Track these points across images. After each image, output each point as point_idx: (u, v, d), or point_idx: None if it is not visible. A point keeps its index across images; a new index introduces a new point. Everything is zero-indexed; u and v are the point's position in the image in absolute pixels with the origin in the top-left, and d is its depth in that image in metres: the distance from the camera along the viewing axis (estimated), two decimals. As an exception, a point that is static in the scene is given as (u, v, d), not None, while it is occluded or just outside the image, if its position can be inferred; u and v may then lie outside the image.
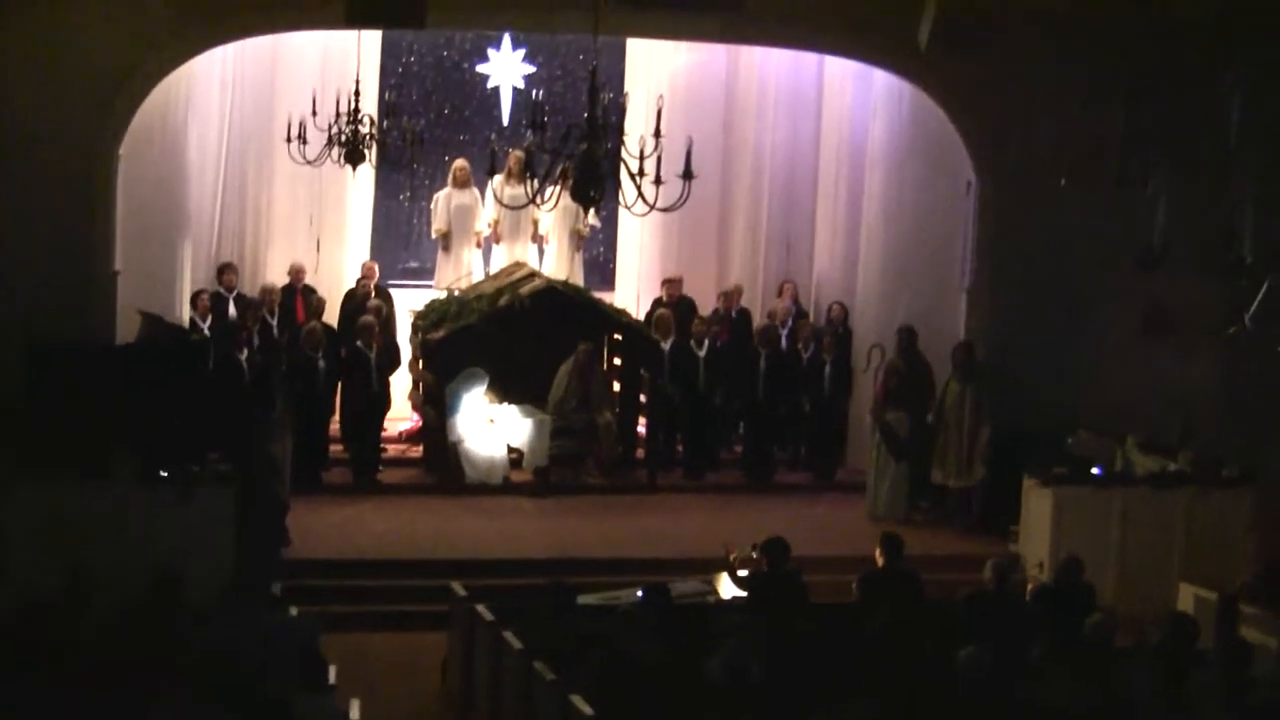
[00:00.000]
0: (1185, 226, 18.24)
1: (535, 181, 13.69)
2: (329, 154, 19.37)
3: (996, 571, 14.38)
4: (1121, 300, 19.11)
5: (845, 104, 22.57)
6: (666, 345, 20.91)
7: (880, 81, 21.22)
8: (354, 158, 19.36)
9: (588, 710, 11.24)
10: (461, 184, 22.62)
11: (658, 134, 12.94)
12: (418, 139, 20.99)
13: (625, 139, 13.36)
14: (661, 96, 15.56)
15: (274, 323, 20.93)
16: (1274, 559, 15.65)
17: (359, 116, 19.29)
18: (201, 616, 12.33)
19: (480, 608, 13.84)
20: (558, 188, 14.30)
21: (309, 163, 19.49)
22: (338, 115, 19.16)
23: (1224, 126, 17.68)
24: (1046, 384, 19.13)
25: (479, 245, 22.90)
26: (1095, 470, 17.80)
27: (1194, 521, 17.25)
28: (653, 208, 13.23)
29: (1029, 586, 14.88)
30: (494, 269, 22.55)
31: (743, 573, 14.57)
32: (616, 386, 21.09)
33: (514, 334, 20.37)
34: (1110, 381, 19.15)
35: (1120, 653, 12.98)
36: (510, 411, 20.20)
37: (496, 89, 23.53)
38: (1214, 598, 14.79)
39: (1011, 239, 19.91)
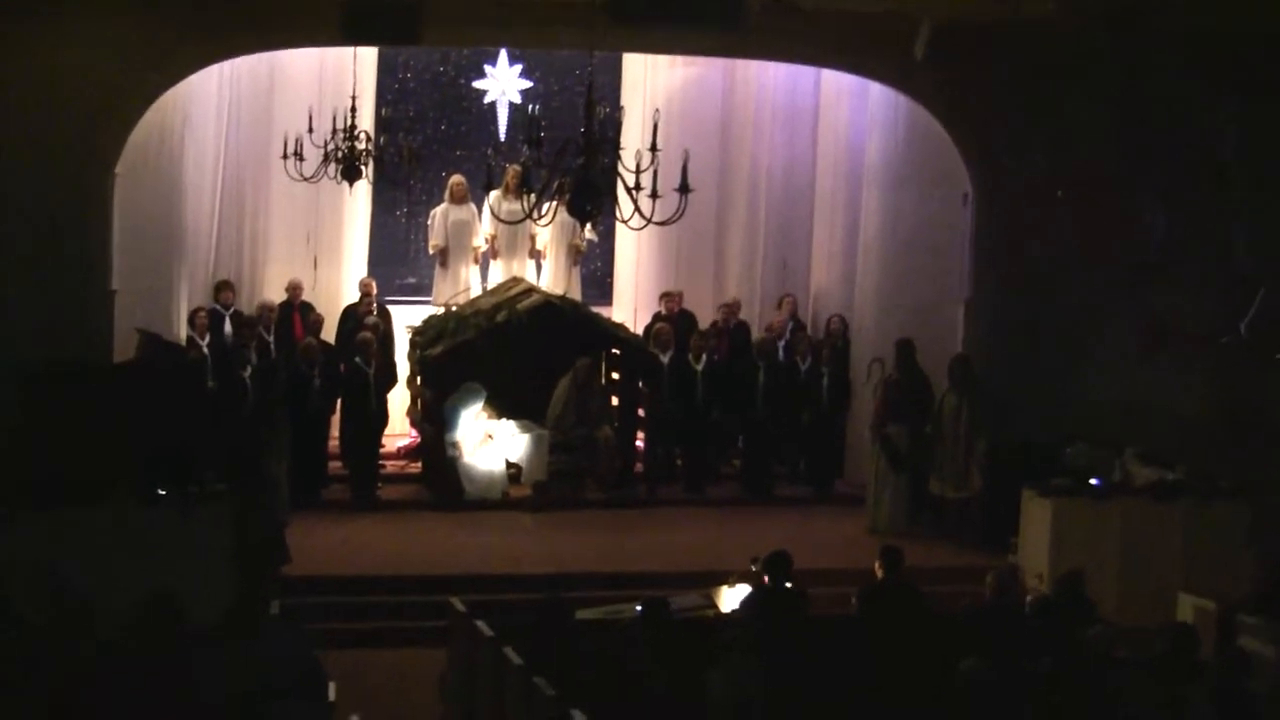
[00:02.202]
0: (1182, 239, 18.25)
1: (532, 196, 13.71)
2: (326, 171, 19.38)
3: (997, 583, 14.37)
4: (1118, 312, 19.10)
5: (842, 118, 22.59)
6: (665, 359, 20.91)
7: (877, 96, 21.23)
8: (351, 174, 19.36)
9: (588, 726, 11.23)
10: (459, 199, 22.63)
11: (654, 148, 12.96)
12: (414, 155, 21.02)
13: (622, 153, 13.37)
14: (658, 111, 15.56)
15: (272, 340, 20.92)
16: (1273, 569, 15.62)
17: (355, 133, 19.30)
18: (200, 635, 12.30)
19: (480, 623, 13.80)
20: (555, 203, 14.31)
21: (306, 179, 19.50)
22: (334, 132, 19.16)
23: (1220, 139, 17.69)
24: (1044, 395, 19.13)
25: (476, 261, 22.90)
26: (1094, 481, 17.78)
27: (1193, 532, 17.22)
28: (649, 222, 13.24)
29: (1029, 598, 14.86)
30: (492, 284, 22.56)
31: (743, 587, 14.56)
32: (615, 401, 21.09)
33: (512, 350, 20.37)
34: (1108, 393, 19.13)
35: (1121, 664, 12.99)
36: (508, 427, 20.21)
37: (493, 104, 23.56)
38: (1214, 608, 14.79)
39: (1009, 251, 19.92)
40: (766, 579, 14.26)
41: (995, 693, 11.49)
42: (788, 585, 14.18)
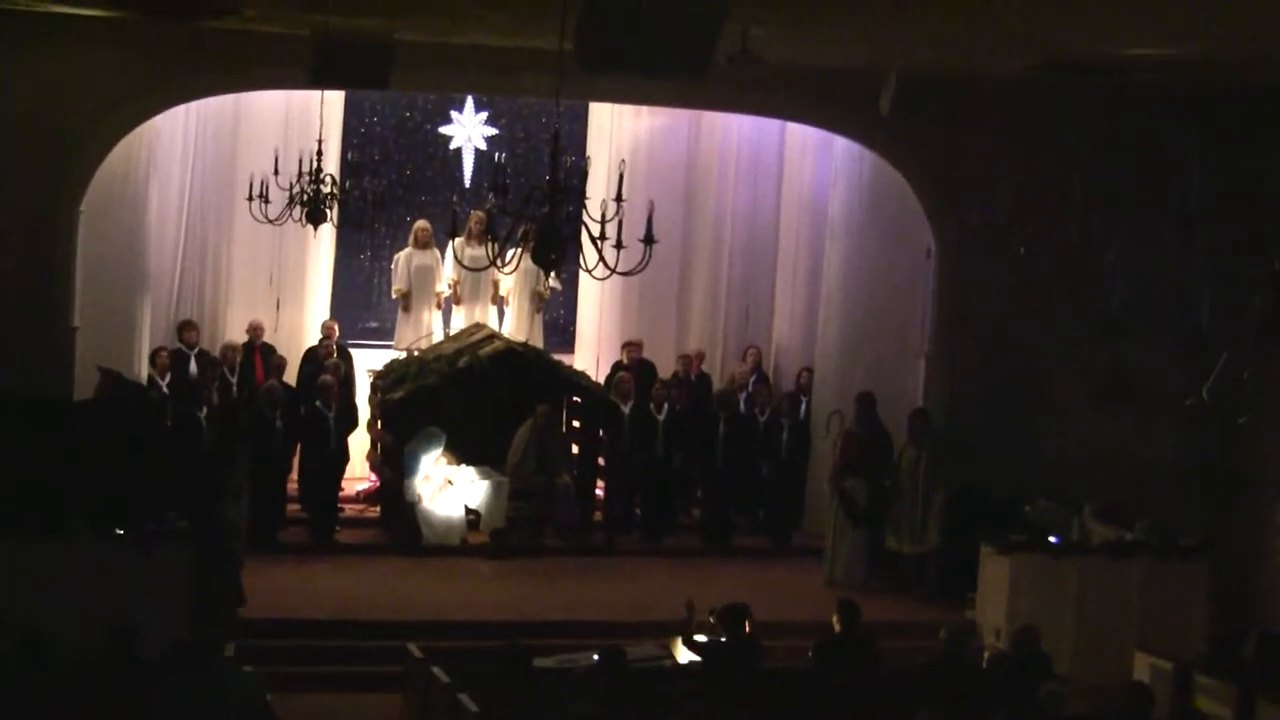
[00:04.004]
0: (1143, 296, 18.35)
1: (496, 244, 13.72)
2: (290, 213, 19.34)
3: (952, 638, 14.40)
4: (1080, 368, 19.19)
5: (806, 171, 22.69)
6: (627, 409, 20.91)
7: (841, 149, 21.32)
8: (315, 217, 19.31)
9: (543, 774, 11.22)
10: (422, 244, 22.63)
11: (619, 198, 12.98)
12: (379, 199, 21.02)
13: (587, 202, 13.39)
14: (624, 161, 15.62)
15: (234, 381, 20.88)
16: (1229, 629, 15.69)
17: (321, 176, 19.25)
18: (154, 674, 12.25)
19: (436, 669, 13.79)
20: (519, 250, 14.32)
21: (270, 221, 19.47)
22: (300, 174, 19.12)
23: (1183, 196, 17.82)
24: (1004, 451, 19.19)
25: (439, 306, 22.90)
26: (1052, 539, 17.82)
27: (1150, 591, 17.27)
28: (613, 271, 13.25)
29: (985, 654, 14.89)
30: (454, 330, 22.55)
31: (700, 638, 14.55)
32: (575, 449, 21.08)
33: (473, 395, 20.36)
34: (1067, 449, 19.21)
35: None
36: (468, 473, 20.19)
37: (459, 150, 23.58)
38: (1169, 667, 14.82)
39: (971, 306, 20.00)
40: (722, 630, 14.27)
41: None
42: (744, 636, 14.20)
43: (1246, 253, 17.52)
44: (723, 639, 14.22)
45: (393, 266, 22.86)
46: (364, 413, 21.45)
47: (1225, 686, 14.22)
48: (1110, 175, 18.46)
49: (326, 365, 21.07)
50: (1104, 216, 18.44)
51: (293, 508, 20.25)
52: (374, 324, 23.60)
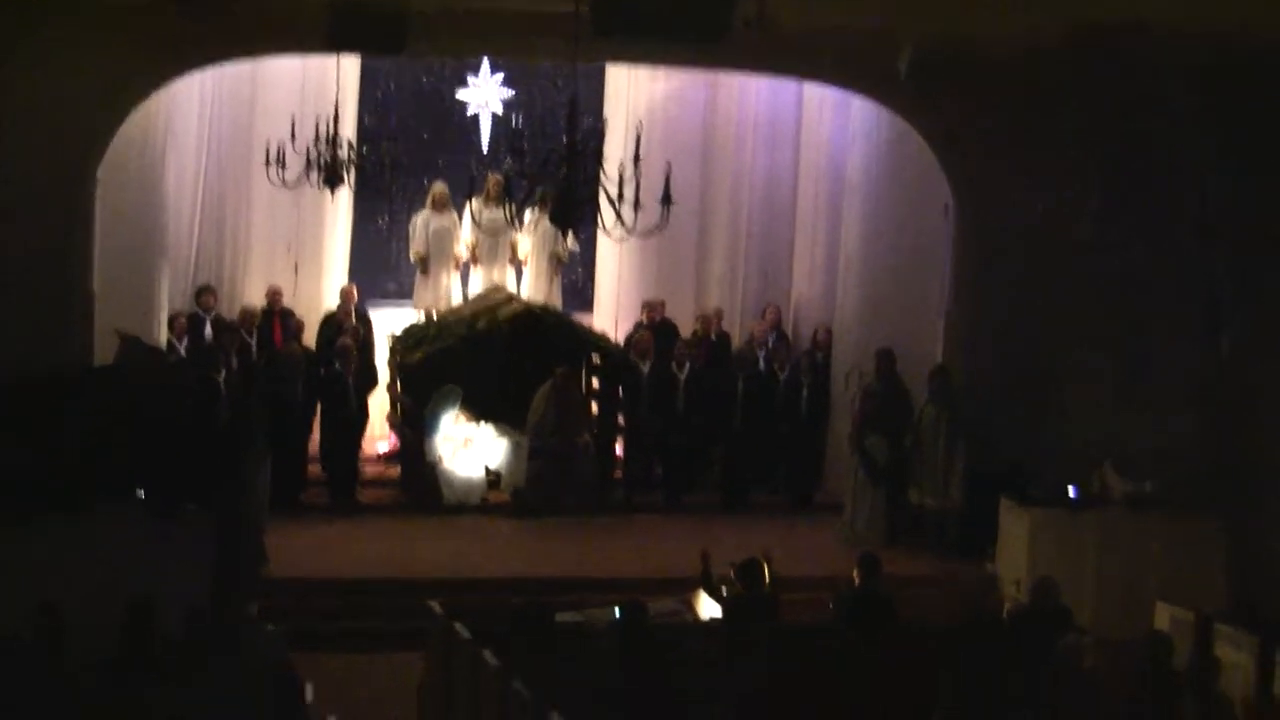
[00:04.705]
0: (1162, 274, 18.28)
1: (514, 205, 13.76)
2: (307, 178, 19.38)
3: (974, 592, 14.46)
4: (1098, 327, 19.13)
5: (824, 131, 22.67)
6: (645, 368, 20.95)
7: (858, 109, 21.30)
8: (332, 181, 19.36)
9: (565, 729, 11.27)
10: (440, 207, 22.65)
11: (637, 160, 13.01)
12: (396, 163, 21.04)
13: (604, 164, 13.43)
14: (640, 122, 15.63)
15: (253, 344, 20.95)
16: (1251, 581, 15.72)
17: (338, 141, 19.31)
18: (176, 642, 12.30)
19: (457, 626, 13.84)
20: (536, 211, 14.35)
21: (287, 186, 19.50)
22: (316, 139, 19.15)
23: (1203, 186, 17.78)
24: (1024, 406, 19.17)
25: (457, 268, 22.93)
26: (1071, 492, 17.84)
27: (1170, 543, 17.29)
28: (631, 232, 13.29)
29: (1006, 607, 14.93)
30: (472, 292, 22.59)
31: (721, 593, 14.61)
32: (594, 409, 21.13)
33: (492, 357, 20.42)
34: (1085, 408, 19.19)
35: (1094, 674, 13.06)
36: (488, 433, 20.25)
37: (476, 115, 23.58)
38: (1190, 617, 14.86)
39: (990, 263, 19.97)
40: (741, 585, 14.32)
41: (969, 700, 11.55)
42: (764, 591, 14.25)
43: (1267, 239, 17.46)
44: (742, 593, 14.28)
45: (410, 229, 22.89)
46: (384, 375, 21.51)
47: (1246, 635, 14.24)
48: (1130, 143, 18.35)
49: (345, 328, 21.12)
50: (1122, 189, 18.34)
51: (313, 469, 20.33)
52: (392, 287, 23.64)
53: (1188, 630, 14.59)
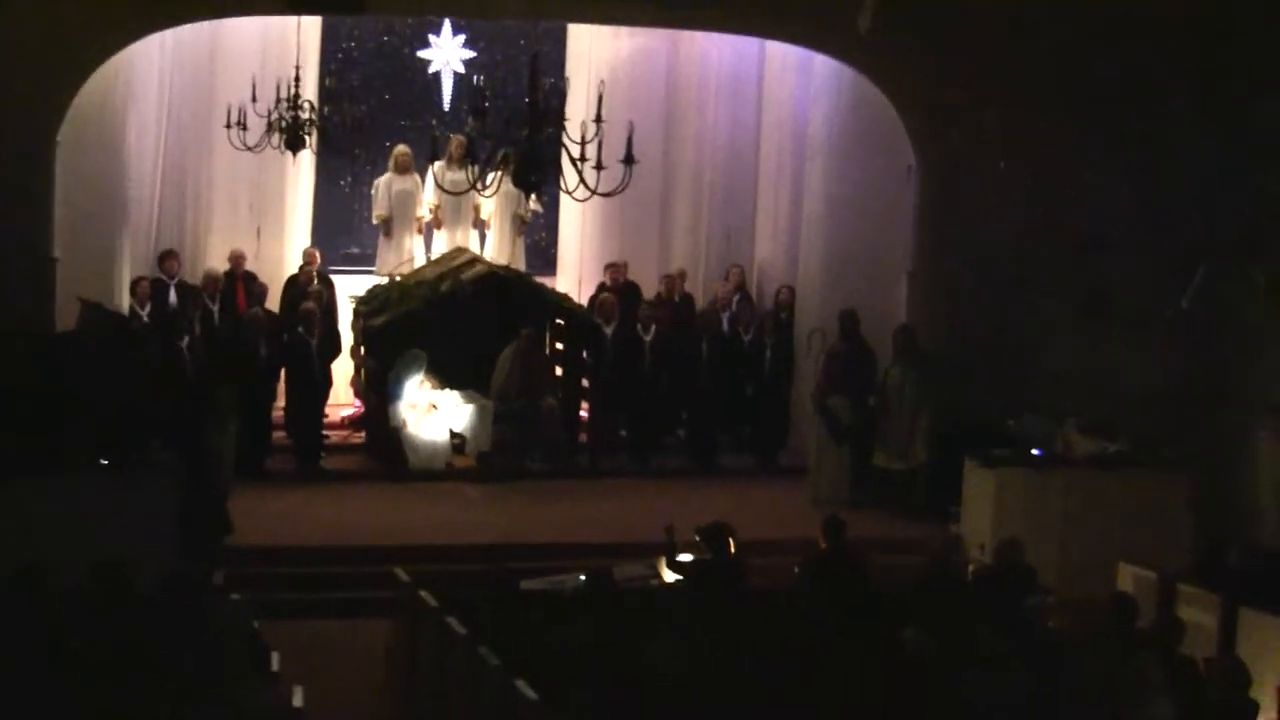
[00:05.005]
0: (1128, 211, 18.33)
1: (476, 167, 13.71)
2: (269, 140, 19.30)
3: (938, 553, 14.48)
4: (1061, 283, 19.17)
5: (786, 89, 22.64)
6: (609, 330, 20.92)
7: (821, 68, 21.27)
8: (294, 144, 19.31)
9: (531, 695, 11.27)
10: (402, 169, 22.57)
11: (599, 119, 12.98)
12: (358, 124, 20.96)
13: (566, 124, 13.39)
14: (603, 82, 15.60)
15: (216, 309, 20.85)
16: (1212, 540, 15.76)
17: (299, 102, 19.23)
18: (143, 605, 12.27)
19: (424, 594, 13.83)
20: (499, 173, 14.31)
21: (249, 149, 19.42)
22: (278, 101, 19.09)
23: (1163, 113, 17.77)
24: (988, 366, 19.21)
25: (420, 231, 22.87)
26: (1036, 452, 17.88)
27: (1134, 502, 17.32)
28: (594, 193, 13.27)
29: (971, 568, 14.96)
30: (436, 254, 22.52)
31: (685, 557, 14.61)
32: (559, 372, 21.10)
33: (456, 320, 20.36)
34: (1052, 363, 19.23)
35: (1059, 634, 13.10)
36: (453, 397, 20.20)
37: (438, 74, 23.48)
38: (1154, 577, 14.91)
39: (953, 222, 19.98)
40: (707, 549, 14.32)
41: (935, 662, 11.57)
42: (729, 555, 14.25)
43: (1228, 167, 17.47)
44: (707, 558, 14.28)
45: (373, 192, 22.80)
46: (347, 339, 21.44)
47: (1209, 596, 14.30)
48: (1093, 91, 18.36)
49: (308, 292, 21.04)
50: (1086, 133, 18.38)
51: (278, 435, 20.26)
52: (355, 250, 23.55)
53: (1151, 590, 14.66)
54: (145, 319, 20.01)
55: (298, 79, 19.22)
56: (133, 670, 10.83)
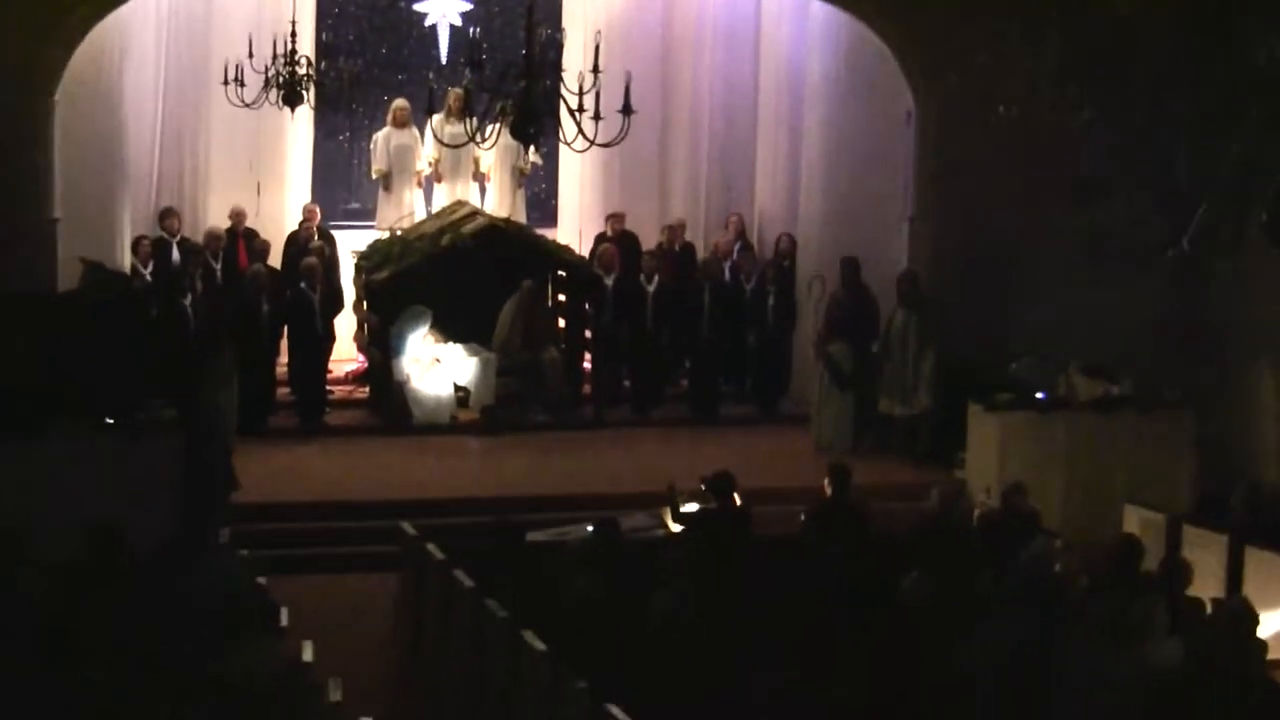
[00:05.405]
0: (1122, 154, 18.29)
1: (475, 120, 13.70)
2: (266, 96, 19.28)
3: (942, 499, 14.50)
4: (1061, 227, 19.15)
5: (783, 36, 22.58)
6: (609, 281, 20.91)
7: (817, 13, 21.21)
8: (292, 100, 19.29)
9: (539, 646, 11.30)
10: (401, 124, 22.54)
11: (596, 70, 12.95)
12: (356, 79, 20.93)
13: (564, 76, 13.37)
14: (599, 33, 15.54)
15: (218, 267, 20.85)
16: (1216, 481, 15.79)
17: (296, 58, 19.20)
18: (145, 566, 12.30)
19: (430, 547, 13.87)
20: (498, 125, 14.29)
21: (247, 105, 19.39)
22: (274, 57, 19.06)
23: (1157, 55, 17.73)
24: (990, 311, 19.19)
25: (420, 185, 22.86)
26: (1039, 396, 17.88)
27: (1138, 444, 17.35)
28: (592, 143, 13.26)
29: (975, 513, 14.98)
30: (435, 208, 22.52)
31: (690, 507, 14.63)
32: (561, 323, 21.11)
33: (457, 273, 20.35)
34: (1052, 308, 19.23)
35: (1064, 578, 13.12)
36: (456, 351, 20.21)
37: (434, 27, 23.41)
38: (1159, 519, 14.94)
39: (952, 168, 19.93)
40: (712, 499, 14.34)
41: (936, 608, 11.58)
42: (734, 505, 14.27)
43: (1222, 107, 17.44)
44: (713, 507, 14.30)
45: (371, 147, 22.79)
46: (349, 294, 21.44)
47: (1214, 536, 14.33)
48: (1087, 36, 18.31)
49: (310, 248, 21.04)
50: (1082, 78, 18.33)
51: (282, 391, 20.28)
52: (355, 205, 23.56)
53: (1157, 532, 14.69)
54: (148, 278, 20.01)
55: (294, 34, 19.19)
56: (127, 655, 10.84)
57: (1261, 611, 11.82)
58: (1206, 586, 13.34)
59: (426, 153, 22.63)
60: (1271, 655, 11.88)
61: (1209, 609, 12.08)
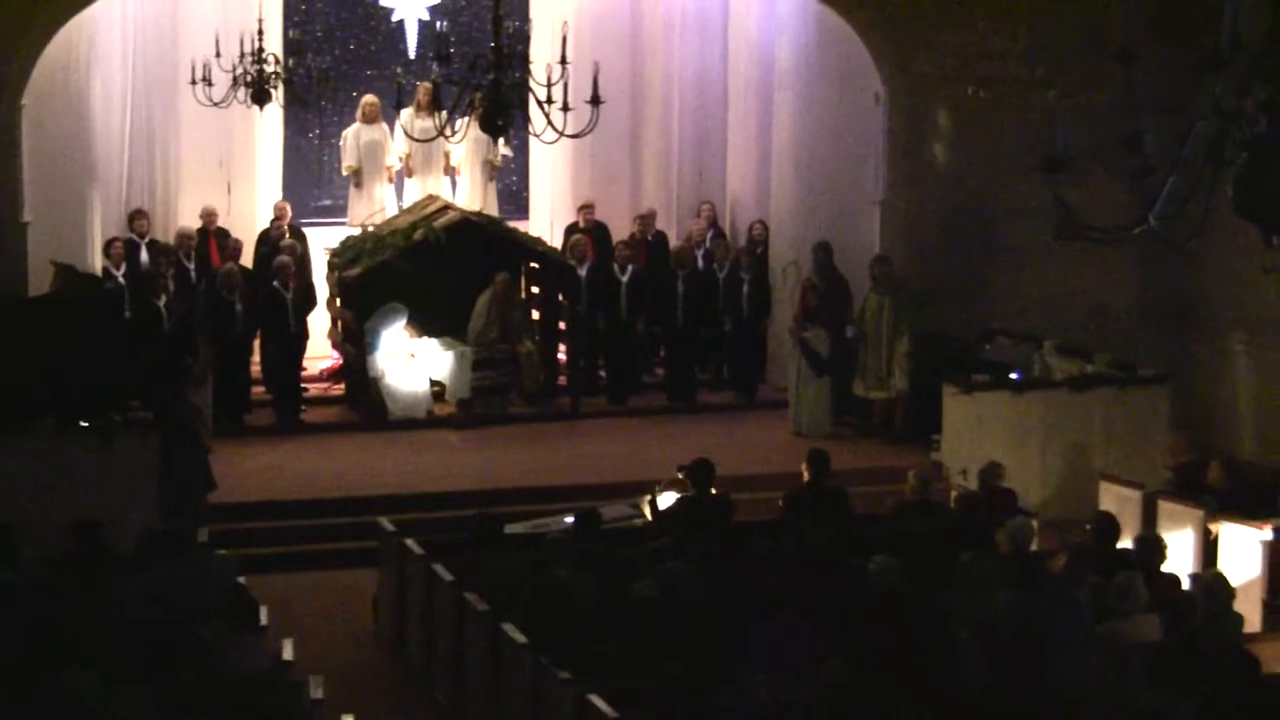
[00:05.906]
0: (1089, 131, 18.30)
1: (444, 114, 13.70)
2: (235, 95, 19.23)
3: (919, 481, 14.54)
4: (1031, 206, 19.18)
5: (751, 22, 22.55)
6: (583, 271, 20.91)
7: (786, 0, 21.23)
8: (260, 97, 19.23)
9: (520, 639, 11.33)
10: (370, 119, 22.49)
11: (564, 61, 12.97)
12: (324, 76, 20.87)
13: (532, 67, 13.38)
14: (566, 23, 15.53)
15: (191, 267, 20.82)
16: (1191, 457, 15.83)
17: (263, 56, 19.15)
18: (124, 566, 12.30)
19: (409, 542, 13.88)
20: (467, 119, 14.29)
21: (215, 105, 19.35)
22: (242, 55, 19.00)
23: (1125, 28, 17.76)
24: (963, 292, 19.24)
25: (391, 180, 22.80)
26: (1014, 375, 17.93)
27: (1113, 422, 17.41)
28: (562, 135, 13.27)
29: (953, 494, 15.03)
30: (407, 203, 22.46)
31: (669, 495, 14.64)
32: (536, 315, 21.10)
33: (431, 267, 20.31)
34: (1025, 287, 19.27)
35: (1042, 555, 13.17)
36: (431, 345, 20.18)
37: (401, 22, 23.34)
38: (1135, 495, 14.99)
39: (922, 150, 19.97)
40: (691, 487, 14.36)
41: (905, 589, 11.61)
42: (713, 492, 14.29)
43: (1188, 80, 17.47)
44: (692, 495, 14.32)
45: (341, 143, 22.71)
46: (322, 291, 21.41)
47: (1190, 510, 14.38)
48: (1054, 14, 18.34)
49: (281, 246, 21.00)
50: (1047, 55, 18.35)
51: (257, 390, 20.25)
52: (326, 202, 23.46)
53: (1133, 507, 14.74)
54: (120, 279, 19.97)
55: (261, 32, 19.13)
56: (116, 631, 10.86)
57: (1236, 584, 11.91)
58: (1182, 562, 13.42)
59: (397, 148, 22.59)
60: (1247, 629, 11.95)
61: (1185, 584, 12.14)
